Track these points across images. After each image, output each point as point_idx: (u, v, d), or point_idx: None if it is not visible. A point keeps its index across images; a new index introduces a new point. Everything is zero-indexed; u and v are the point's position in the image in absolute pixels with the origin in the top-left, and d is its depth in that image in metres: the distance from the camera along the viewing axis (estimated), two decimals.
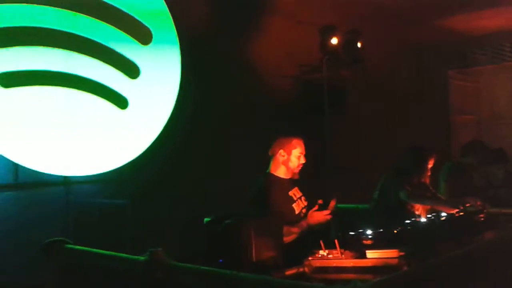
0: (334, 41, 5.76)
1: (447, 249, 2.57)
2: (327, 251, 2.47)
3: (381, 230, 2.65)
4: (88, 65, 4.12)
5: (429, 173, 3.79)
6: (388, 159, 5.21)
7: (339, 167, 5.35)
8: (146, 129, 4.39)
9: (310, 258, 2.46)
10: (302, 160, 3.35)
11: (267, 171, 3.41)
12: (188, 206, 4.49)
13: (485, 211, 3.21)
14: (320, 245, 2.49)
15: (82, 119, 4.07)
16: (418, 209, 3.66)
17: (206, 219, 2.57)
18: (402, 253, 2.31)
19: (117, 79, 4.27)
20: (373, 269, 2.31)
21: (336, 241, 2.45)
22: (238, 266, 2.34)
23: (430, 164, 3.77)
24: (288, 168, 3.34)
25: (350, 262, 2.39)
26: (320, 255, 2.47)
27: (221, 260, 2.43)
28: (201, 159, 4.91)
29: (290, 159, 3.34)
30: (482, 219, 3.13)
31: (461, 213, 3.17)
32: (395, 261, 2.28)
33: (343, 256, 2.42)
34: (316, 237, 2.61)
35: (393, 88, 6.49)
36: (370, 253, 2.38)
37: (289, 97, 5.66)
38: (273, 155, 3.38)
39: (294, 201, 3.35)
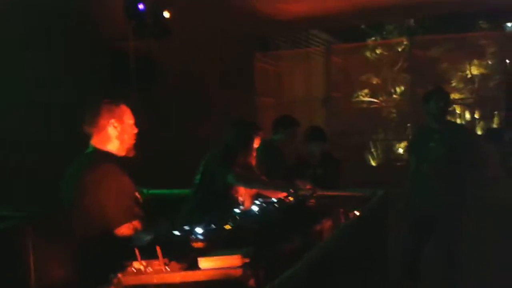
0: (141, 6, 4.87)
1: (291, 245, 1.97)
2: (144, 262, 1.65)
3: (213, 226, 1.93)
4: None
5: (254, 153, 3.18)
6: (201, 139, 4.58)
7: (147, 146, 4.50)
8: None
9: (119, 275, 1.62)
10: (135, 129, 2.42)
11: (90, 148, 2.33)
12: None
13: (315, 195, 2.72)
14: (135, 254, 1.66)
15: None
16: (242, 194, 3.03)
17: None
18: (246, 259, 1.62)
19: None
20: (209, 285, 1.58)
21: (157, 247, 1.65)
22: None
23: (256, 143, 3.16)
24: (123, 141, 2.37)
25: (177, 276, 1.62)
26: (135, 269, 1.65)
27: None
28: None
29: (124, 129, 2.37)
30: (313, 204, 2.64)
31: (290, 198, 2.63)
32: (239, 272, 1.58)
33: (167, 268, 1.64)
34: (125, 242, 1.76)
35: (204, 65, 5.86)
36: (204, 262, 1.64)
37: (92, 67, 4.61)
38: (101, 128, 2.32)
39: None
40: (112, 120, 2.32)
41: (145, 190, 2.88)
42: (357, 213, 2.52)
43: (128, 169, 2.41)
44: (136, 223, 2.19)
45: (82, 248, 1.79)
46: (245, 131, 3.12)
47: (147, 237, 1.88)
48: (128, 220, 2.19)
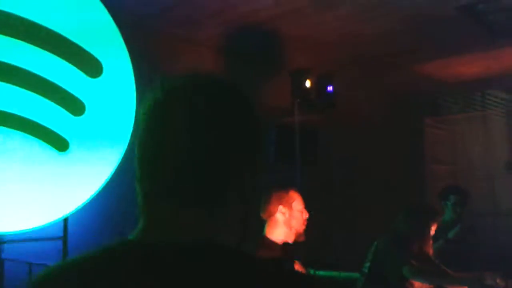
0: (307, 84, 5.01)
1: None
2: None
3: None
4: (21, 100, 3.24)
5: (431, 241, 2.87)
6: (369, 217, 4.39)
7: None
8: (89, 176, 3.46)
9: None
10: (306, 215, 2.49)
11: (262, 234, 2.47)
12: None
13: None
14: None
15: (13, 163, 3.17)
16: None
17: None
18: None
19: (56, 117, 3.39)
20: None
21: None
22: None
23: (433, 230, 2.86)
24: (290, 227, 2.43)
25: None
26: None
27: None
28: None
29: (293, 215, 2.43)
30: None
31: None
32: None
33: None
34: None
35: (368, 135, 5.73)
36: None
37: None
38: (271, 215, 2.43)
39: None
40: (280, 207, 2.40)
41: (311, 271, 2.81)
42: None
43: (294, 255, 2.42)
44: None
45: None
46: (420, 217, 2.85)
47: None
48: None
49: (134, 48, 3.40)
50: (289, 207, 2.42)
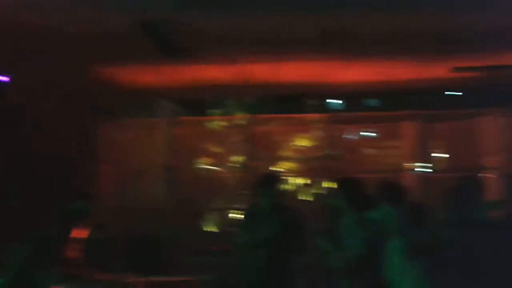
0: None
1: None
2: None
3: None
4: None
5: (79, 246, 2.78)
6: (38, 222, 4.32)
7: None
8: None
9: None
10: None
11: None
12: None
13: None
14: None
15: None
16: None
17: None
18: None
19: None
20: None
21: None
22: None
23: (77, 233, 2.78)
24: None
25: None
26: None
27: None
28: None
29: None
30: None
31: None
32: None
33: None
34: None
35: (43, 133, 5.60)
36: None
37: None
38: None
39: None
40: None
41: None
42: None
43: None
44: None
45: None
46: (62, 222, 2.81)
47: None
48: None
49: None
50: None
